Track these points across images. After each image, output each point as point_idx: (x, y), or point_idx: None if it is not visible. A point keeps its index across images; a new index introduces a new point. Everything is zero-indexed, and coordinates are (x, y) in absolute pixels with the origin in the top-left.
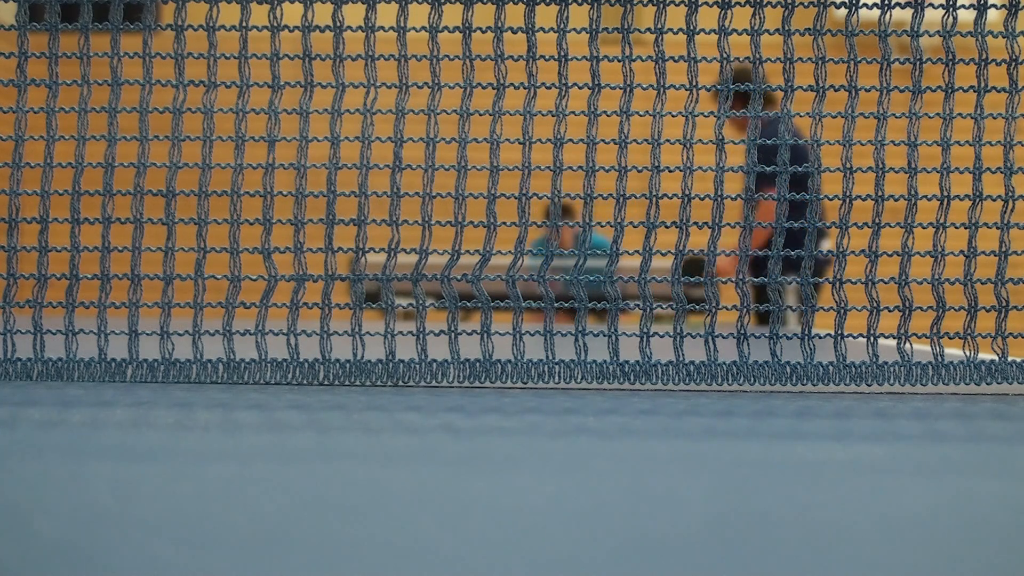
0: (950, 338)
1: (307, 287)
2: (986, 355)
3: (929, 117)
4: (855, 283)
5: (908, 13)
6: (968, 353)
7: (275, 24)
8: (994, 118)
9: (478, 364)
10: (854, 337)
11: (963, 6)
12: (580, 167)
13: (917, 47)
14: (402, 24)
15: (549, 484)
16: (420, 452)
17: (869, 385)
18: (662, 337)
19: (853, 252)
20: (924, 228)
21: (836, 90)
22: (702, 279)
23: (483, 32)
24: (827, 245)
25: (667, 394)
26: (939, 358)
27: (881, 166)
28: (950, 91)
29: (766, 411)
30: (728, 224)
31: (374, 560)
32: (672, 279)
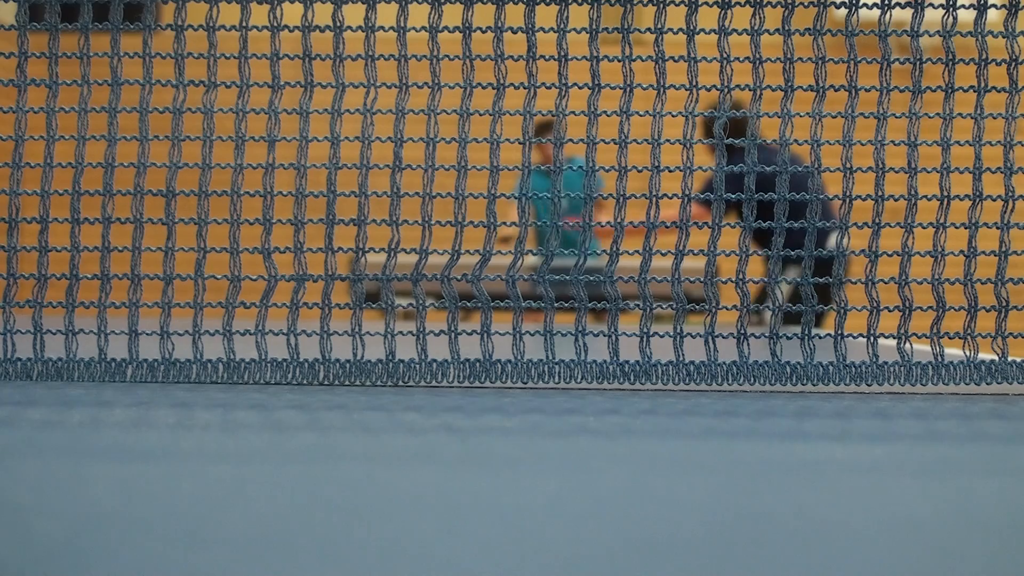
0: (950, 338)
1: (307, 287)
2: (986, 355)
3: (929, 117)
4: (855, 283)
5: (908, 13)
6: (968, 353)
7: (275, 24)
8: (994, 118)
9: (478, 364)
10: (854, 337)
11: (963, 6)
12: (580, 167)
13: (917, 47)
14: (402, 24)
15: (549, 484)
16: (420, 452)
17: (869, 385)
18: (662, 337)
19: (853, 252)
20: (924, 228)
21: (836, 90)
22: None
23: (483, 32)
24: (831, 242)
25: (667, 394)
26: (939, 358)
27: (881, 166)
28: (950, 91)
29: (766, 411)
30: (728, 224)
31: (374, 560)
32: (672, 279)
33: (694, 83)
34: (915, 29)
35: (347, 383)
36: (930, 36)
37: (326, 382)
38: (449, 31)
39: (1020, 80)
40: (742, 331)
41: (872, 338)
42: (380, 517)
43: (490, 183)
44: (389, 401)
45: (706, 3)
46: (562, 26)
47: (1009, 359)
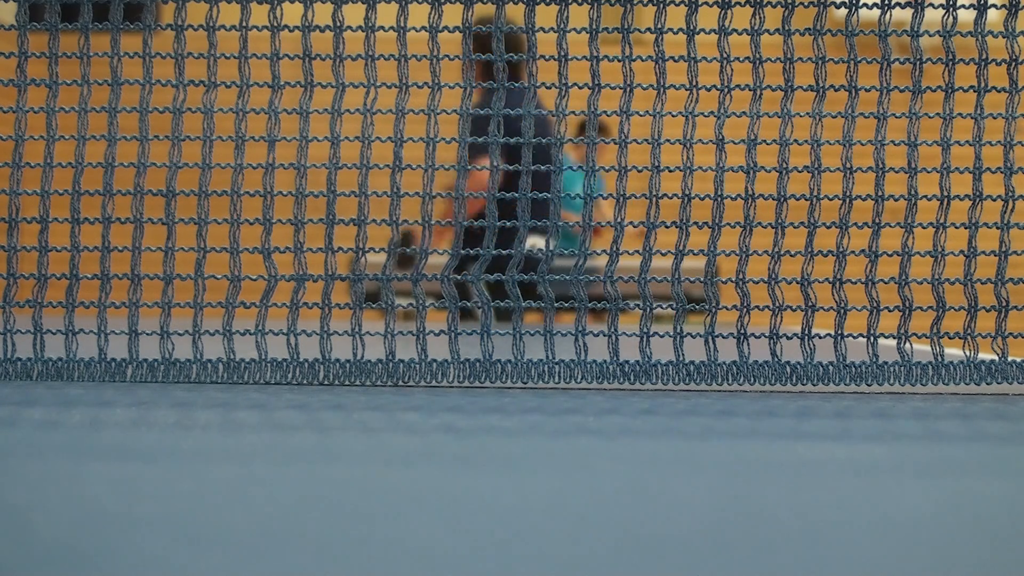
0: (950, 338)
1: (307, 287)
2: (986, 355)
3: (929, 117)
4: (855, 283)
5: (908, 13)
6: (968, 353)
7: (275, 24)
8: (994, 118)
9: (478, 364)
10: (854, 337)
11: (963, 6)
12: (580, 167)
13: (917, 47)
14: (402, 24)
15: (549, 484)
16: (420, 452)
17: (869, 385)
18: (662, 337)
19: (853, 252)
20: (924, 228)
21: (836, 90)
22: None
23: (483, 32)
24: (539, 243)
25: (667, 394)
26: (939, 358)
27: (881, 166)
28: (950, 91)
29: (766, 411)
30: (728, 224)
31: (374, 560)
32: (672, 279)
33: (694, 83)
34: (915, 29)
35: (347, 383)
36: (930, 36)
37: (326, 382)
38: (449, 31)
39: (1020, 80)
40: (742, 331)
41: (872, 338)
42: (380, 517)
43: (490, 183)
44: (389, 401)
45: (706, 3)
46: (562, 26)
47: (1009, 359)
